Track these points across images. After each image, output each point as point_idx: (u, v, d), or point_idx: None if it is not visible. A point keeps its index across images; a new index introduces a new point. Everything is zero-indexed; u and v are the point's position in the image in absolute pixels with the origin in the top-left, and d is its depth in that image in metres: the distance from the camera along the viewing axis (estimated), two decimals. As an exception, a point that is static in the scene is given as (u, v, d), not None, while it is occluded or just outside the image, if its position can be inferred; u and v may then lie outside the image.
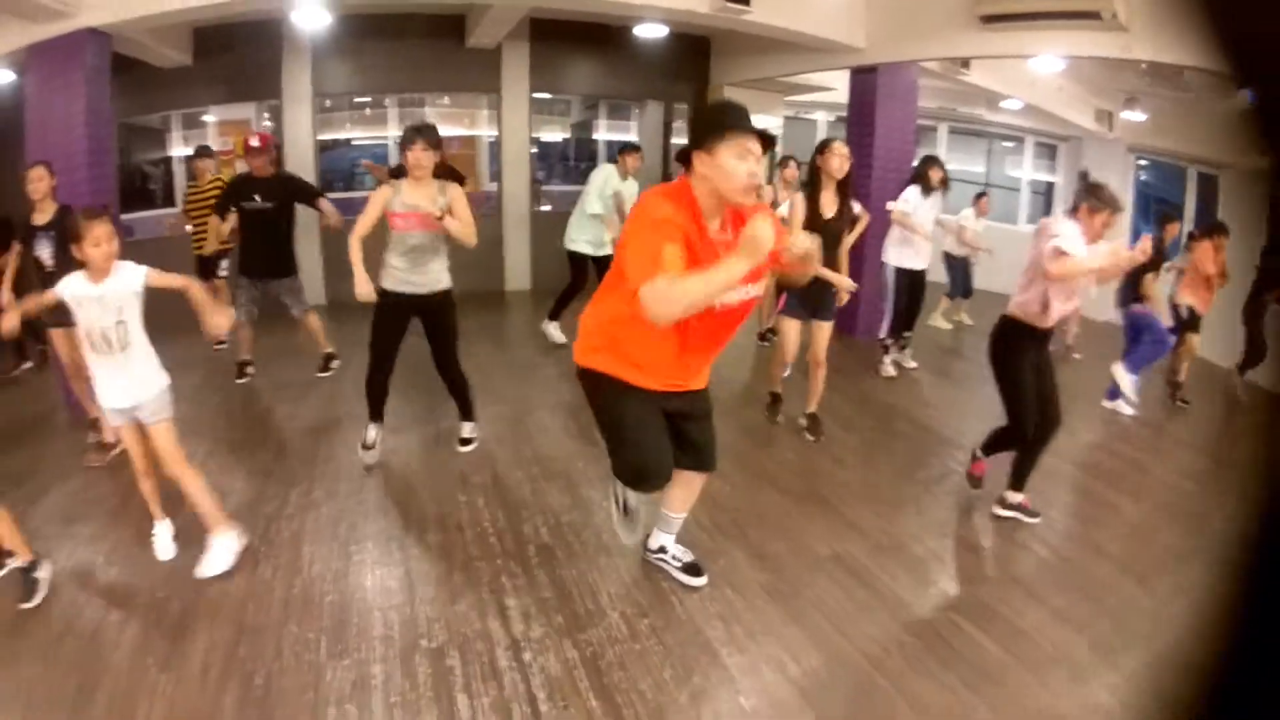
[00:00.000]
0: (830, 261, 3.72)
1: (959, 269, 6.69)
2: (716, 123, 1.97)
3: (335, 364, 4.90)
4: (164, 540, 2.87)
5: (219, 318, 2.78)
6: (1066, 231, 2.84)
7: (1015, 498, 3.24)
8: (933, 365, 5.78)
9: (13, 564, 2.61)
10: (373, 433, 3.55)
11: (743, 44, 6.73)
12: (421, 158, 3.20)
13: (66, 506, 3.24)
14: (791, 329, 3.95)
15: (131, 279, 2.65)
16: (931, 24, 5.05)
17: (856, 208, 4.32)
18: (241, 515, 3.01)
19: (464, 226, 3.26)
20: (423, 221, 3.23)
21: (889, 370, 5.33)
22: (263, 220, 4.37)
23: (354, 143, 7.46)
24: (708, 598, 2.61)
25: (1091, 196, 2.91)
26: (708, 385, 2.43)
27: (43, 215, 3.60)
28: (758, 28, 5.20)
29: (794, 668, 2.28)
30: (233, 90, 6.40)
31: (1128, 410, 4.77)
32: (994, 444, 3.30)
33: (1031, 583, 2.81)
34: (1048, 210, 8.63)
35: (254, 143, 4.34)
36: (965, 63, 6.29)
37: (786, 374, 4.33)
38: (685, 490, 2.64)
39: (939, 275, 6.36)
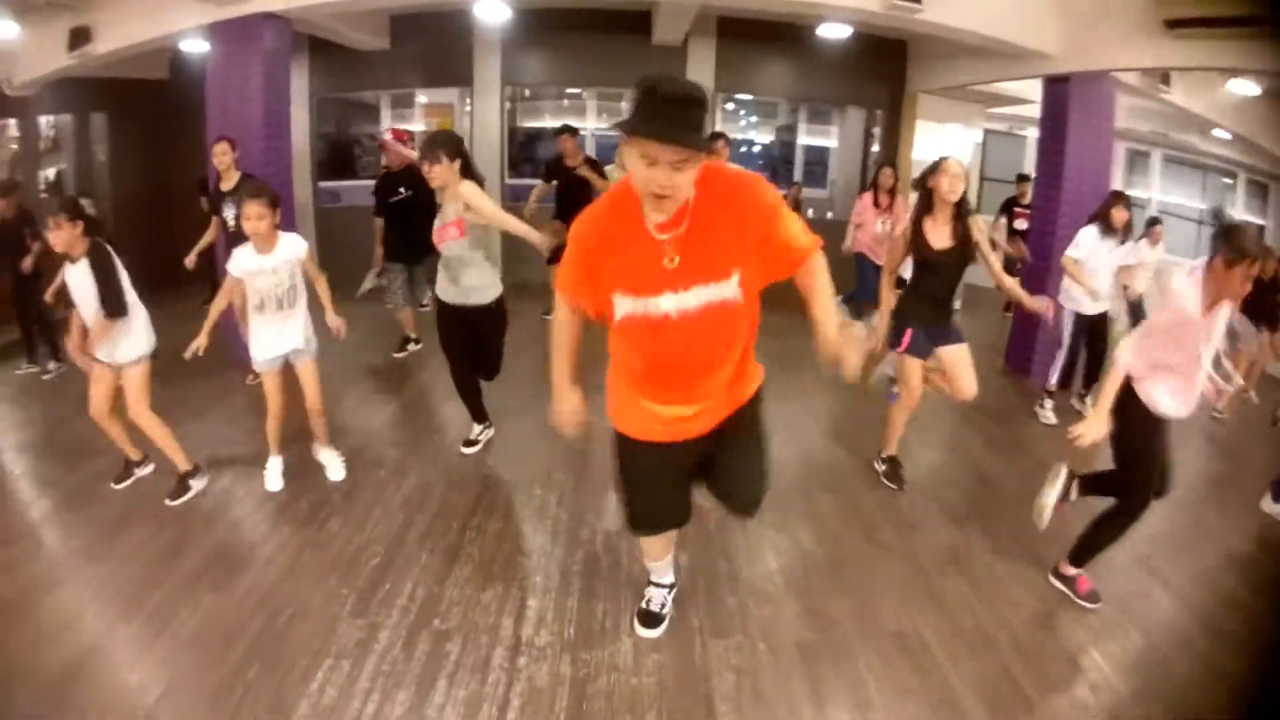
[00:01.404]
0: (953, 289, 3.33)
1: (1135, 311, 5.50)
2: (631, 114, 1.58)
3: (411, 347, 5.23)
4: (274, 473, 3.28)
5: (337, 321, 3.21)
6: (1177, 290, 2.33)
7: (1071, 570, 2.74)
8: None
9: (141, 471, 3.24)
10: (475, 430, 3.70)
11: (937, 49, 6.18)
12: (430, 172, 3.10)
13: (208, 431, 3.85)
14: (914, 370, 3.39)
15: (296, 248, 3.06)
16: (1121, 30, 4.52)
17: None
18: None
19: (493, 219, 3.10)
20: (440, 233, 3.22)
21: (1048, 417, 4.61)
22: (409, 209, 4.70)
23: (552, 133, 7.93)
24: (735, 647, 2.35)
25: (1225, 244, 2.24)
26: (744, 415, 2.01)
27: (227, 183, 4.20)
28: (931, 27, 4.83)
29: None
30: (429, 75, 6.97)
31: None
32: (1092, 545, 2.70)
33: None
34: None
35: (388, 138, 4.73)
36: (1166, 79, 5.44)
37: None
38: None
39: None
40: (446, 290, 3.34)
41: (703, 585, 2.65)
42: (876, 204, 5.54)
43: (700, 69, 7.01)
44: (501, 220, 3.13)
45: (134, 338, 3.07)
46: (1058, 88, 5.17)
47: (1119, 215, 4.23)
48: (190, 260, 4.55)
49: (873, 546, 3.00)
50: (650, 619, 2.42)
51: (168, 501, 3.12)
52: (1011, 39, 4.85)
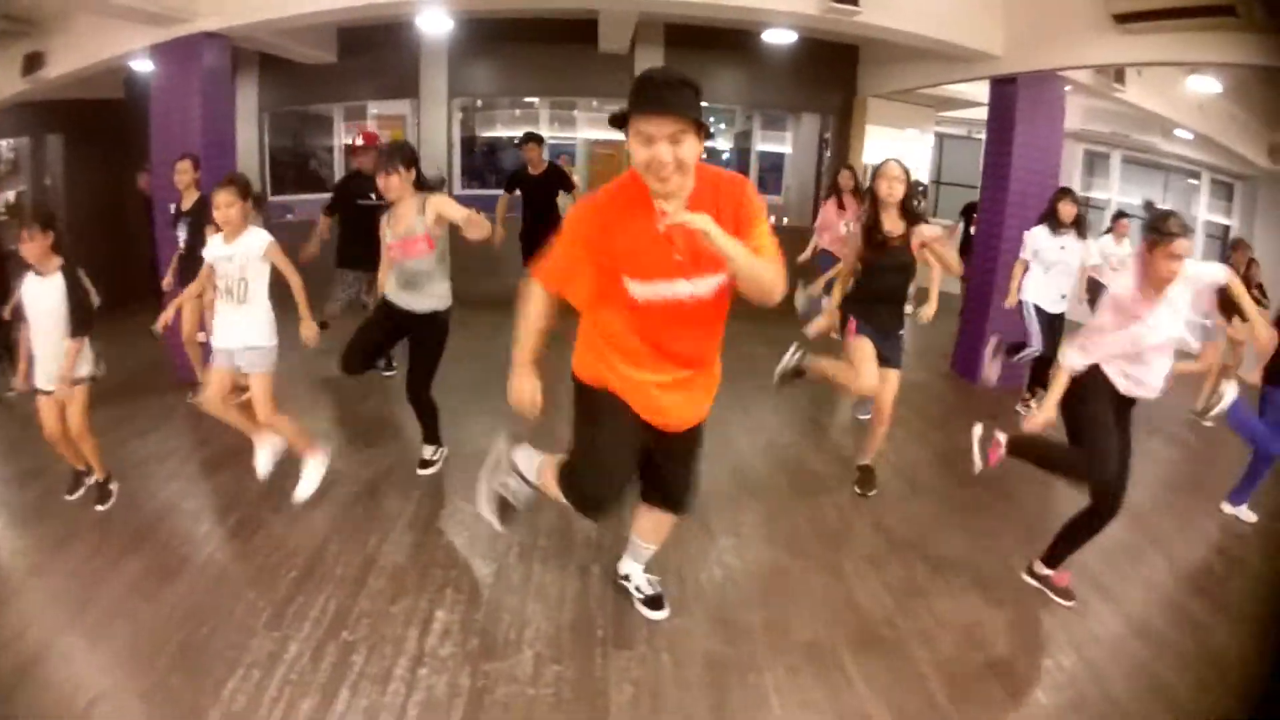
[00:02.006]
0: (896, 291, 3.37)
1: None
2: (629, 102, 1.75)
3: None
4: (261, 459, 3.32)
5: (309, 332, 3.20)
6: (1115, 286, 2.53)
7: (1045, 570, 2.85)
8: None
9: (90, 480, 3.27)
10: (428, 451, 3.67)
11: (887, 53, 6.25)
12: (388, 184, 3.14)
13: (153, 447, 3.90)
14: (866, 350, 3.33)
15: (256, 244, 3.09)
16: (1069, 27, 4.49)
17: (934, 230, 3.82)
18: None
19: (466, 225, 3.04)
20: (405, 247, 3.20)
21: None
22: (376, 215, 4.73)
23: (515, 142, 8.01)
24: (636, 659, 2.40)
25: (1147, 228, 2.43)
26: (699, 425, 2.22)
27: (186, 202, 4.26)
28: (871, 30, 4.85)
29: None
30: (378, 88, 7.03)
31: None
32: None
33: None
34: (1223, 256, 6.91)
35: (359, 141, 4.65)
36: (1119, 78, 5.40)
37: (865, 415, 3.87)
38: (655, 525, 2.49)
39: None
40: (400, 296, 3.33)
41: (611, 594, 2.70)
42: (841, 206, 5.60)
43: (648, 78, 7.07)
44: (468, 221, 3.07)
45: (83, 358, 3.13)
46: (1004, 89, 5.20)
47: (1065, 210, 4.31)
48: (167, 281, 4.53)
49: (795, 556, 3.04)
50: (656, 602, 2.59)
51: (96, 508, 3.22)
52: (954, 40, 4.87)
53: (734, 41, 6.74)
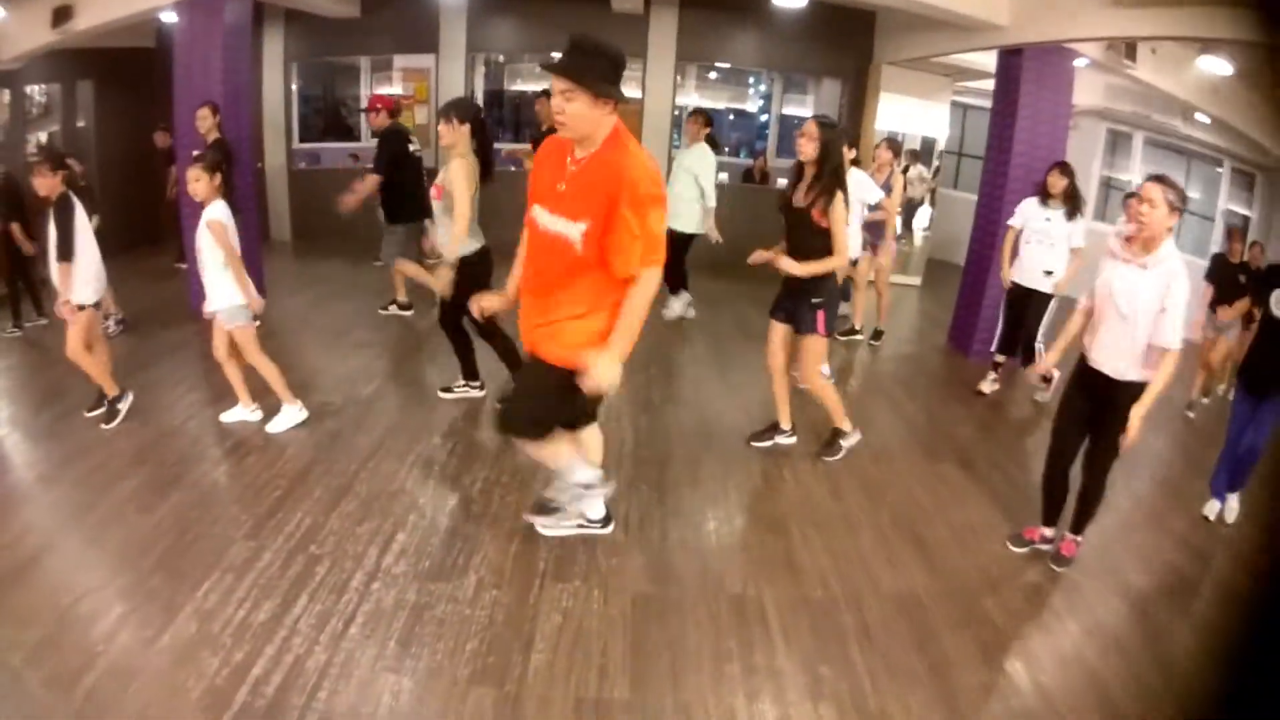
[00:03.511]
0: (808, 254, 3.23)
1: None
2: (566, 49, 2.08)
3: (396, 309, 5.48)
4: (233, 412, 3.68)
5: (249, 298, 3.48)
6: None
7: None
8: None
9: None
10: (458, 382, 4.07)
11: (901, 21, 6.14)
12: (442, 131, 3.53)
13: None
14: (773, 334, 3.51)
15: (206, 214, 3.34)
16: (1073, 0, 4.34)
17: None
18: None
19: (455, 202, 3.44)
20: (433, 191, 3.61)
21: (988, 386, 4.78)
22: (419, 167, 4.97)
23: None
24: (569, 591, 2.59)
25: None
26: (546, 363, 2.29)
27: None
28: None
29: (591, 688, 2.16)
30: (400, 42, 7.19)
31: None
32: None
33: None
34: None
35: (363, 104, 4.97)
36: (1130, 54, 5.19)
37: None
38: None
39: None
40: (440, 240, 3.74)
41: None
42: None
43: (662, 37, 7.05)
44: (458, 210, 3.44)
45: (83, 285, 3.43)
46: (1011, 60, 5.11)
47: (1053, 181, 4.24)
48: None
49: (744, 513, 3.19)
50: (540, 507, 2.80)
51: (102, 426, 3.55)
52: (962, 9, 4.79)
53: (749, 3, 6.68)
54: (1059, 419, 2.92)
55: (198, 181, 3.28)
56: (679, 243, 5.20)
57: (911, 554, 2.97)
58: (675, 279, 5.46)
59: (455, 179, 3.42)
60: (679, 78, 7.42)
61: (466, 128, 3.49)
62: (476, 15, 7.04)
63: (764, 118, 8.97)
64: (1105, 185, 7.80)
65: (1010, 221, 4.48)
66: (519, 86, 8.20)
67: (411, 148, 4.98)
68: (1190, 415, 5.00)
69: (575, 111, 2.03)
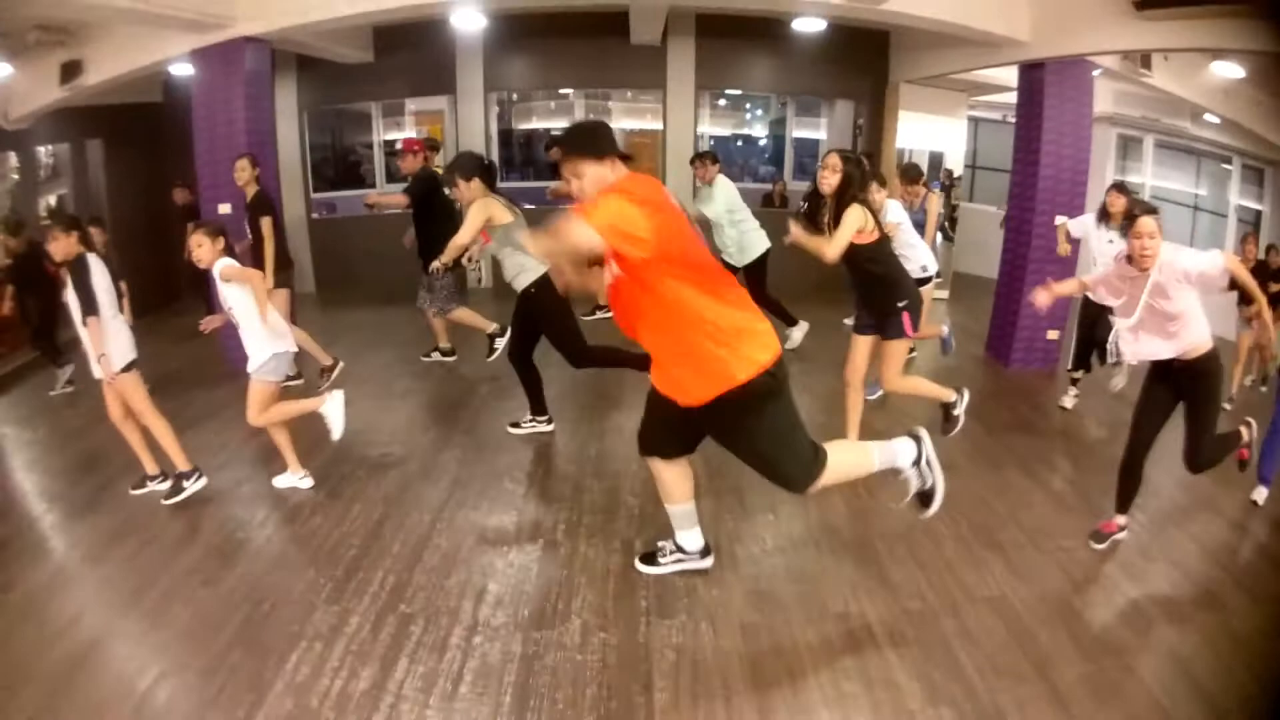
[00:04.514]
0: (869, 283, 3.47)
1: None
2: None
3: (439, 356, 5.30)
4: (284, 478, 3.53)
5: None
6: None
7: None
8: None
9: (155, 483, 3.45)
10: (526, 417, 4.06)
11: (918, 39, 6.23)
12: (457, 194, 3.72)
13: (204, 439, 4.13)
14: (858, 349, 3.62)
15: (218, 273, 3.24)
16: (1093, 14, 4.49)
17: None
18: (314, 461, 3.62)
19: (464, 229, 3.64)
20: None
21: (1069, 401, 4.73)
22: (452, 209, 4.85)
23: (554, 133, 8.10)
24: (678, 627, 2.51)
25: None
26: (713, 403, 2.21)
27: (249, 196, 4.56)
28: (899, 17, 4.89)
29: (719, 720, 2.11)
30: (415, 85, 7.21)
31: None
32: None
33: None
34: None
35: (398, 146, 4.92)
36: (1146, 63, 5.35)
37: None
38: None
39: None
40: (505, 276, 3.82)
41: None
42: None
43: (680, 66, 7.13)
44: (464, 228, 3.62)
45: (118, 347, 3.28)
46: (1033, 74, 5.19)
47: (1112, 201, 4.25)
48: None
49: (828, 534, 3.11)
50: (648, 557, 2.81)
51: (164, 501, 3.35)
52: (982, 25, 4.87)
53: (765, 30, 6.76)
54: (1140, 409, 2.98)
55: (200, 247, 3.19)
56: (758, 272, 5.20)
57: (994, 558, 2.96)
58: (777, 310, 5.26)
59: (470, 211, 3.61)
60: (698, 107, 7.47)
61: (475, 181, 3.62)
62: (493, 54, 7.07)
63: (762, 141, 9.07)
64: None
65: (1065, 221, 4.51)
66: (530, 125, 8.27)
67: (446, 190, 4.92)
68: (1227, 407, 5.01)
69: (577, 188, 2.23)
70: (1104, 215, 4.29)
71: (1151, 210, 2.72)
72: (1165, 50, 5.17)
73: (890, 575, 2.83)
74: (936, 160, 7.86)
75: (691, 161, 5.44)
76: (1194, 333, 2.75)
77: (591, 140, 2.26)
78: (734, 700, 2.18)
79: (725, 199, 5.16)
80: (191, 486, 3.39)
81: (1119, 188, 4.31)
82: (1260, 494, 3.51)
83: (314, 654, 2.36)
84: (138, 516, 3.28)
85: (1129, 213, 4.19)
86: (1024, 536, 3.13)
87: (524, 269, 3.64)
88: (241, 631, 2.48)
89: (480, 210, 3.58)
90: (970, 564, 2.92)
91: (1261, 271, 4.93)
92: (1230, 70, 5.58)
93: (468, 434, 4.11)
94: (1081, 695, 2.24)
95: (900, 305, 3.41)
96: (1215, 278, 2.65)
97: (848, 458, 2.45)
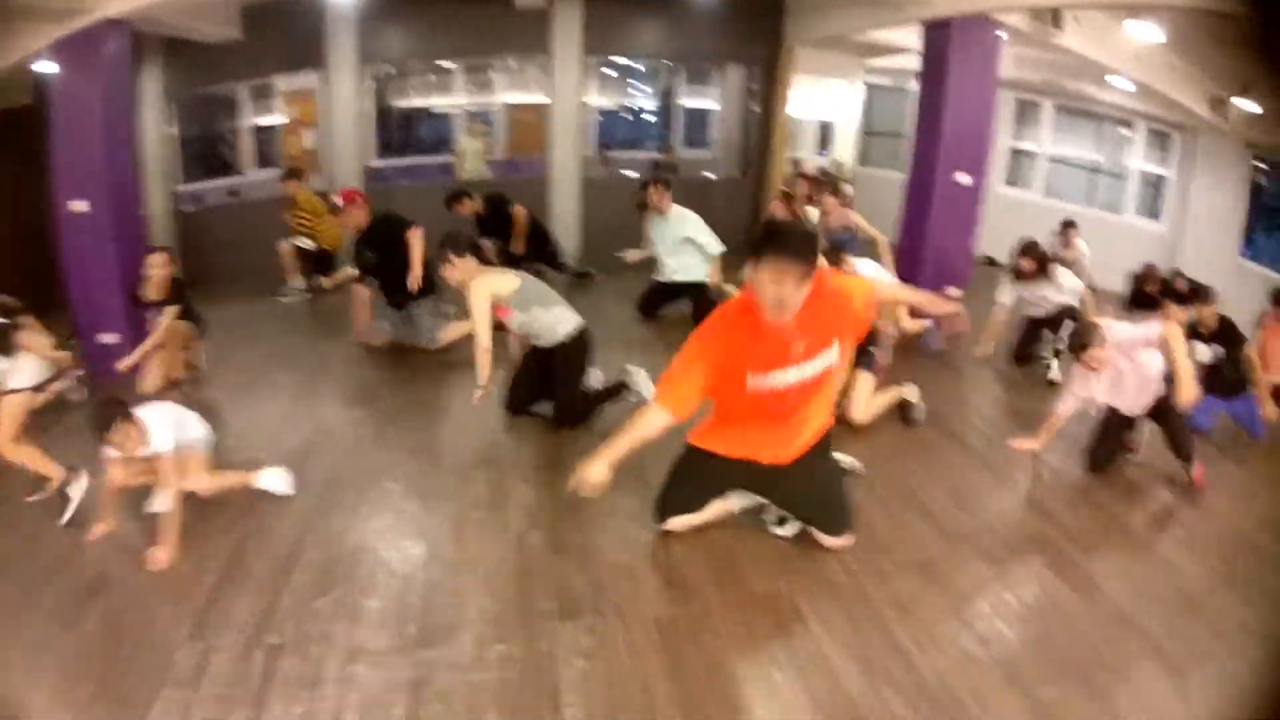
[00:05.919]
0: None
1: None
2: (759, 242, 2.19)
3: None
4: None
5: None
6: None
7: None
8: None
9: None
10: None
11: None
12: (447, 275, 3.55)
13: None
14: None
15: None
16: None
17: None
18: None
19: (473, 319, 3.48)
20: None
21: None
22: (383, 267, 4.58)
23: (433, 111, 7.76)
24: (585, 629, 2.31)
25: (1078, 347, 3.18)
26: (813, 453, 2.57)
27: (156, 293, 4.20)
28: None
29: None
30: (284, 61, 6.61)
31: None
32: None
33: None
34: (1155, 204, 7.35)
35: (338, 203, 4.56)
36: (1057, 21, 5.25)
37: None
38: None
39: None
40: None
41: (555, 563, 2.62)
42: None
43: (567, 32, 6.74)
44: (475, 321, 3.42)
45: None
46: (938, 34, 5.05)
47: (1025, 262, 4.47)
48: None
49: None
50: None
51: (60, 522, 2.94)
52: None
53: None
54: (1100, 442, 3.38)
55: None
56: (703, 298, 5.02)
57: (921, 525, 2.90)
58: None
59: (472, 297, 3.40)
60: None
61: (468, 258, 3.49)
62: (368, 23, 6.50)
63: (646, 111, 8.87)
64: (1013, 154, 8.01)
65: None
66: (410, 102, 7.79)
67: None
68: None
69: (794, 289, 2.17)
70: (1019, 274, 4.53)
71: (1103, 340, 3.07)
72: (1080, 7, 5.10)
73: (811, 547, 2.68)
74: (827, 130, 7.79)
75: (643, 186, 5.08)
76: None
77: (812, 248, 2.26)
78: (657, 707, 2.01)
79: (686, 230, 4.99)
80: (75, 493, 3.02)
81: (1028, 250, 4.52)
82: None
83: (178, 702, 2.05)
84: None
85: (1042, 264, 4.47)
86: (959, 510, 3.03)
87: (561, 320, 3.53)
88: (103, 682, 2.13)
89: (482, 291, 3.39)
90: (904, 536, 2.82)
91: (1171, 294, 4.84)
92: (1149, 32, 5.54)
93: (345, 431, 3.75)
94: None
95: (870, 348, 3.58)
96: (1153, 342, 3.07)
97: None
